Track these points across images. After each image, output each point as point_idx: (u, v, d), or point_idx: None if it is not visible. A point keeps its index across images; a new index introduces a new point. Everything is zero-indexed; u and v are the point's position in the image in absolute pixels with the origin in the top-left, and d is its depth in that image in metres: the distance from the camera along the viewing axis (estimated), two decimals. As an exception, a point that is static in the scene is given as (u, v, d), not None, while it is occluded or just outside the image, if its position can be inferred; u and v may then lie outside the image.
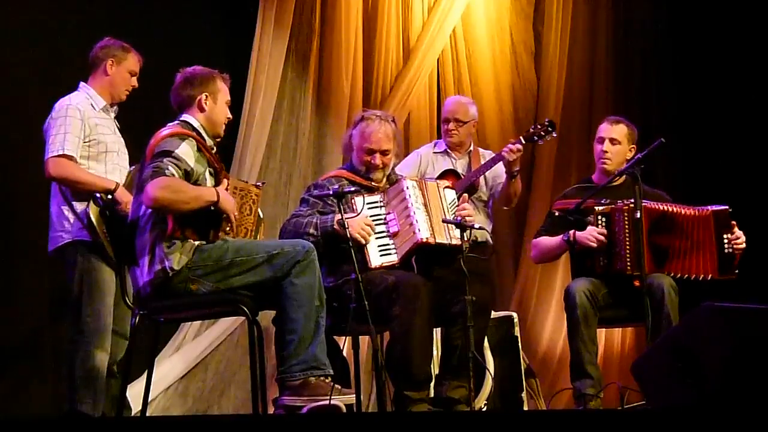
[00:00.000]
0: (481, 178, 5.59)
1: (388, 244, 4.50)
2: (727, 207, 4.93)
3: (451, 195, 4.68)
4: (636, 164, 4.80)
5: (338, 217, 4.35)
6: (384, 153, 4.62)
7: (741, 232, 4.92)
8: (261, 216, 4.50)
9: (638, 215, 4.73)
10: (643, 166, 4.81)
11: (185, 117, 4.16)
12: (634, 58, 7.21)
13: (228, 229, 4.04)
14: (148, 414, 4.54)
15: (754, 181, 6.80)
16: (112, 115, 4.77)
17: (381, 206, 4.56)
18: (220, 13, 6.27)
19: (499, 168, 5.50)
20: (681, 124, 7.00)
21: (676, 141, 6.48)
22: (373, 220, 4.51)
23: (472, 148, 5.70)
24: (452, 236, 4.50)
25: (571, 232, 4.92)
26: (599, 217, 4.90)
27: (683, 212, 4.91)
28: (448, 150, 5.66)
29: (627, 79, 7.19)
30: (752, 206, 6.62)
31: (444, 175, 5.51)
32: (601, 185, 5.02)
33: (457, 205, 4.63)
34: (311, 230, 4.43)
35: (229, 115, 4.26)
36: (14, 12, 5.48)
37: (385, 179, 4.70)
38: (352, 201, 4.52)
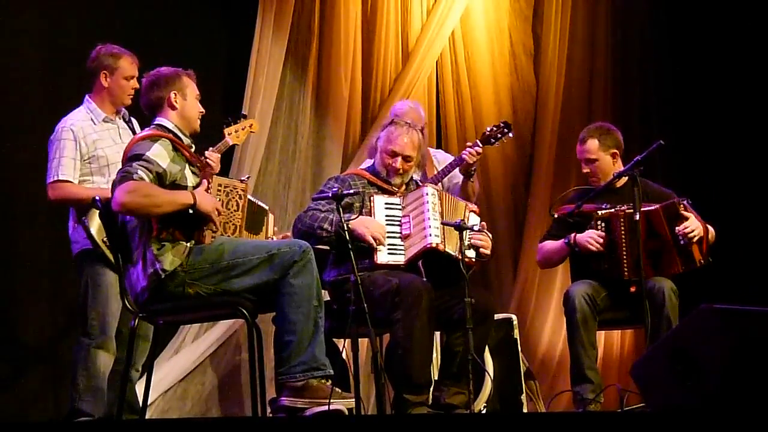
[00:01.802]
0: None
1: (397, 245, 4.53)
2: (675, 199, 4.90)
3: (474, 219, 4.71)
4: (635, 166, 4.81)
5: (340, 217, 4.35)
6: (406, 159, 4.65)
7: (690, 221, 4.82)
8: (267, 208, 4.48)
9: (637, 218, 4.74)
10: (642, 167, 4.82)
11: (159, 120, 4.14)
12: (633, 60, 7.21)
13: (214, 229, 4.03)
14: (147, 417, 4.53)
15: (753, 183, 6.80)
16: (120, 121, 4.79)
17: (398, 209, 4.59)
18: (219, 16, 6.27)
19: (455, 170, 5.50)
20: (680, 126, 7.00)
21: (675, 143, 6.48)
22: (388, 220, 4.54)
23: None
24: (460, 249, 4.48)
25: (572, 234, 4.93)
26: (599, 222, 4.91)
27: (649, 210, 4.90)
28: None
29: (626, 81, 7.19)
30: (751, 208, 6.64)
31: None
32: (601, 187, 5.02)
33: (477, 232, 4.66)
34: (326, 225, 4.44)
35: (202, 110, 4.22)
36: (15, 19, 5.48)
37: (404, 187, 4.72)
38: (371, 200, 4.55)
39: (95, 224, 4.46)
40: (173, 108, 4.14)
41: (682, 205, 4.87)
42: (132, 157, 3.94)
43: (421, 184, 4.82)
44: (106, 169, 4.68)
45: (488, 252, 4.68)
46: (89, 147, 4.66)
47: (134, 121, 4.86)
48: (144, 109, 4.19)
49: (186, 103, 4.16)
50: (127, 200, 3.85)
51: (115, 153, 4.69)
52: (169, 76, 4.17)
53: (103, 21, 5.59)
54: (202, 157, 4.35)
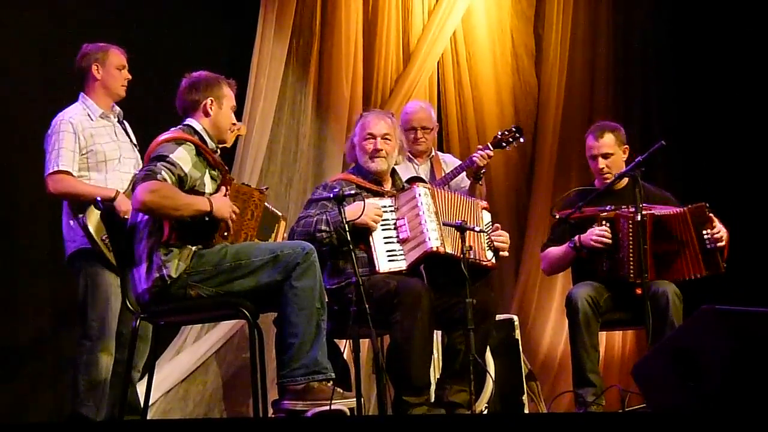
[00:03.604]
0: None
1: (396, 250, 4.50)
2: (703, 203, 4.90)
3: (487, 217, 4.71)
4: (636, 167, 4.81)
5: (341, 218, 4.34)
6: (384, 138, 4.63)
7: (720, 226, 4.86)
8: (280, 214, 4.47)
9: (639, 218, 4.74)
10: (644, 168, 4.82)
11: (189, 121, 4.15)
12: (635, 61, 7.21)
13: (226, 234, 4.03)
14: (148, 417, 4.54)
15: (753, 184, 6.80)
16: (114, 119, 4.79)
17: (392, 211, 4.56)
18: (220, 17, 6.27)
19: (461, 175, 5.50)
20: (681, 126, 7.00)
21: (677, 144, 6.48)
22: (383, 225, 4.52)
23: (433, 153, 5.69)
24: (461, 250, 4.47)
25: (576, 237, 4.92)
26: (603, 223, 4.91)
27: (669, 213, 4.91)
28: (410, 157, 5.62)
29: (627, 82, 7.19)
30: (751, 208, 6.64)
31: (410, 182, 5.49)
32: (603, 188, 5.02)
33: (491, 230, 4.66)
34: (323, 226, 4.42)
35: (234, 121, 4.24)
36: (14, 21, 5.48)
37: (391, 182, 4.72)
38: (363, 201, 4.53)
39: (93, 222, 4.45)
40: (207, 115, 4.14)
41: (707, 208, 4.87)
42: (156, 157, 3.95)
43: (424, 182, 4.81)
44: (103, 165, 4.66)
45: (507, 253, 4.70)
46: (87, 141, 4.63)
47: (127, 124, 4.84)
48: (178, 109, 4.18)
49: (220, 112, 4.16)
50: (149, 199, 3.86)
51: (112, 150, 4.69)
52: (210, 82, 4.16)
53: (103, 24, 5.58)
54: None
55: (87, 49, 4.78)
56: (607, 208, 4.94)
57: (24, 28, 5.50)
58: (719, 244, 4.84)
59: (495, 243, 4.63)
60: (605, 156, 5.08)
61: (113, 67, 4.77)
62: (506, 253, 4.72)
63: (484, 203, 4.80)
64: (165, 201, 3.88)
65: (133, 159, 4.77)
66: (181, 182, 3.94)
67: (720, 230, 4.85)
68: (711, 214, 4.87)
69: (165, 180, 3.88)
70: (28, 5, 5.54)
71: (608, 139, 5.09)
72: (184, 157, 3.96)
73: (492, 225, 4.72)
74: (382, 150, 4.62)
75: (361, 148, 4.66)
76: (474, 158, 5.35)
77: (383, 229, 4.52)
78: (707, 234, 4.84)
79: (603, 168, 5.08)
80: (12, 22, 5.47)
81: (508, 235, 4.74)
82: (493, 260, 4.65)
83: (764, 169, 6.79)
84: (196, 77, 4.18)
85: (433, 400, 4.53)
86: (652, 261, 4.80)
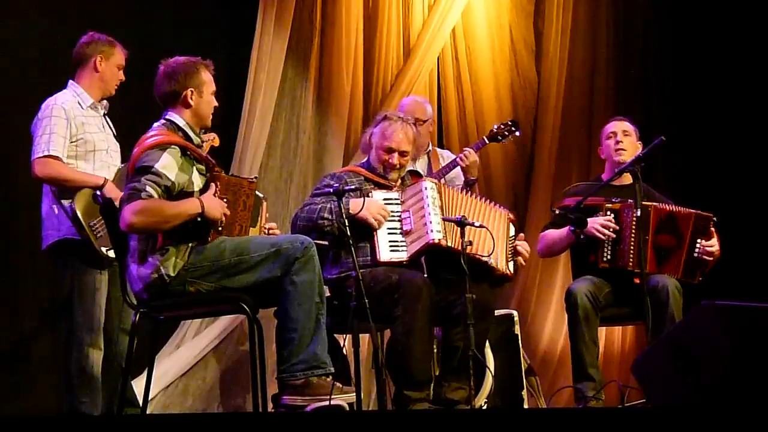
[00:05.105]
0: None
1: (398, 241, 4.52)
2: (712, 215, 4.95)
3: (512, 230, 4.76)
4: (636, 162, 4.83)
5: (341, 211, 4.34)
6: (402, 154, 4.65)
7: (716, 242, 4.92)
8: (261, 196, 4.44)
9: (638, 213, 4.75)
10: (644, 164, 4.83)
11: (170, 115, 4.08)
12: (635, 57, 7.21)
13: (220, 228, 4.01)
14: (148, 412, 4.54)
15: (754, 179, 6.80)
16: (102, 111, 4.76)
17: (397, 203, 4.57)
18: (220, 11, 6.27)
19: (456, 170, 5.51)
20: (681, 122, 6.99)
21: (677, 140, 6.47)
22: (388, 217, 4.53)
23: (430, 148, 5.68)
24: (462, 245, 4.46)
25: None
26: (608, 213, 4.92)
27: (679, 210, 4.94)
28: None
29: (627, 78, 7.18)
30: (753, 205, 6.63)
31: (410, 175, 5.49)
32: (604, 182, 5.02)
33: (514, 241, 4.73)
34: (326, 214, 4.43)
35: (215, 104, 4.16)
36: (10, 10, 5.47)
37: (399, 181, 4.72)
38: (370, 195, 4.55)
39: (80, 209, 4.41)
40: (187, 106, 4.08)
41: (712, 222, 4.92)
42: (140, 169, 3.90)
43: (420, 176, 4.82)
44: (91, 155, 4.62)
45: (524, 263, 4.82)
46: (78, 129, 4.59)
47: (109, 120, 4.80)
48: (157, 98, 4.11)
49: (201, 101, 4.09)
50: (136, 221, 3.83)
51: (100, 140, 4.66)
52: (188, 70, 4.07)
53: (102, 19, 5.56)
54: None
55: (94, 38, 4.74)
56: (613, 200, 4.95)
57: (20, 20, 5.50)
58: (706, 258, 4.89)
59: (518, 247, 4.70)
60: (625, 133, 5.12)
61: (115, 65, 4.74)
62: (523, 263, 4.79)
63: (511, 216, 4.82)
64: (153, 218, 3.86)
65: (118, 152, 4.75)
66: (169, 191, 3.91)
67: (714, 247, 4.92)
68: (713, 229, 4.92)
69: (150, 195, 3.84)
70: (28, 4, 5.53)
71: (630, 125, 5.16)
72: (169, 163, 3.90)
73: (516, 236, 4.75)
74: (397, 164, 4.65)
75: (377, 156, 4.67)
76: (457, 160, 5.40)
77: (387, 221, 4.53)
78: (700, 243, 4.88)
79: (620, 142, 5.08)
80: (7, 13, 5.46)
81: (529, 249, 4.81)
82: (511, 270, 4.69)
83: (765, 164, 6.78)
84: (172, 65, 4.09)
85: (431, 397, 4.53)
86: (652, 254, 4.81)
